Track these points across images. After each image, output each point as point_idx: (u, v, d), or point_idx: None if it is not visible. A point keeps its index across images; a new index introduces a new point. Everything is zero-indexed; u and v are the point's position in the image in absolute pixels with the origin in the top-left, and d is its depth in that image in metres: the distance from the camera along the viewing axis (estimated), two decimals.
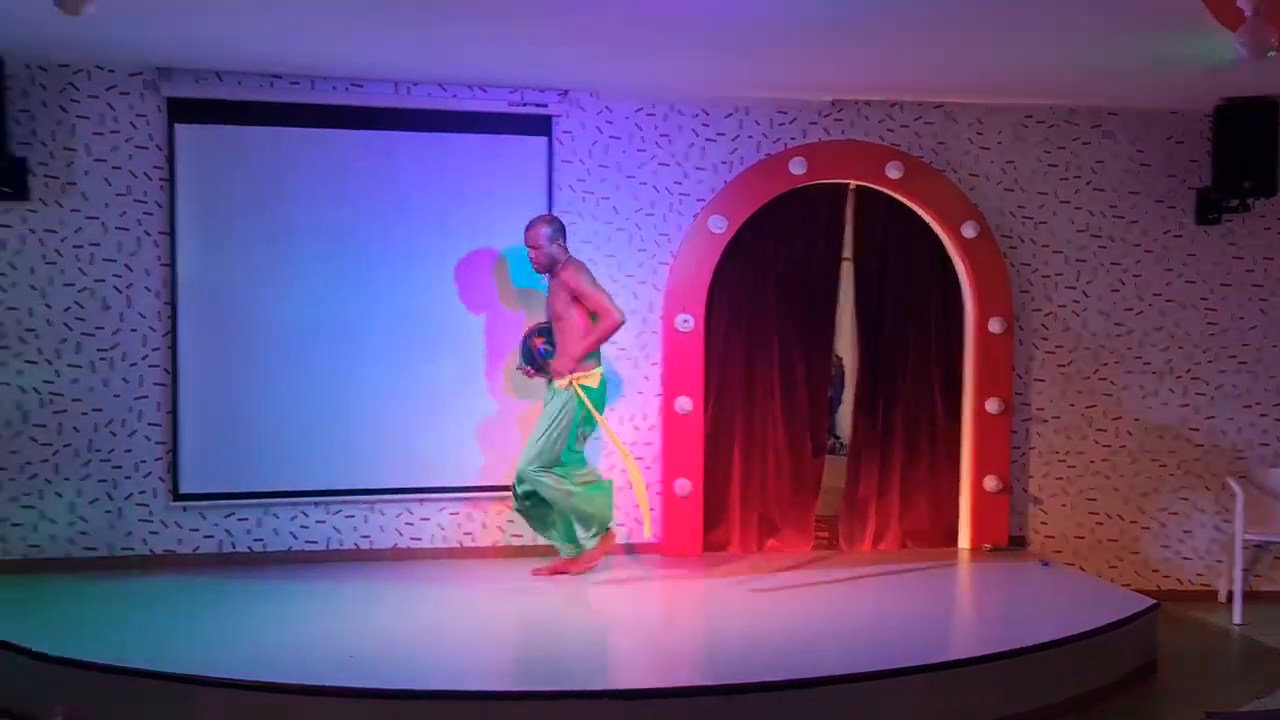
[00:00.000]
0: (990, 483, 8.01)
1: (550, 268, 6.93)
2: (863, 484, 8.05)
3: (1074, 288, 8.18)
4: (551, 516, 7.05)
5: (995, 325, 8.00)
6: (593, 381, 6.87)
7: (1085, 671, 5.71)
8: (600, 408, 6.97)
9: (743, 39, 6.38)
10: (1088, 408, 8.22)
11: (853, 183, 7.97)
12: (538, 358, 7.01)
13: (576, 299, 6.80)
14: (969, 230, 7.99)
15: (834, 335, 8.18)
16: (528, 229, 6.95)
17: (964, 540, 8.09)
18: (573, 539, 7.12)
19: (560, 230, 6.99)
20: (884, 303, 8.11)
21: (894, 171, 7.87)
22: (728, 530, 7.90)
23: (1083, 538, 8.23)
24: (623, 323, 6.86)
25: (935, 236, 8.05)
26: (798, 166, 7.82)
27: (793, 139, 7.89)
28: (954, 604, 7.16)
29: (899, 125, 8.00)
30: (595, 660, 5.71)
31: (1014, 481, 8.14)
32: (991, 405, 8.01)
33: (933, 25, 6.13)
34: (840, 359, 8.83)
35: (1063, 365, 8.20)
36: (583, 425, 6.93)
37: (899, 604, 6.78)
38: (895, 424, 8.04)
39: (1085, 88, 7.69)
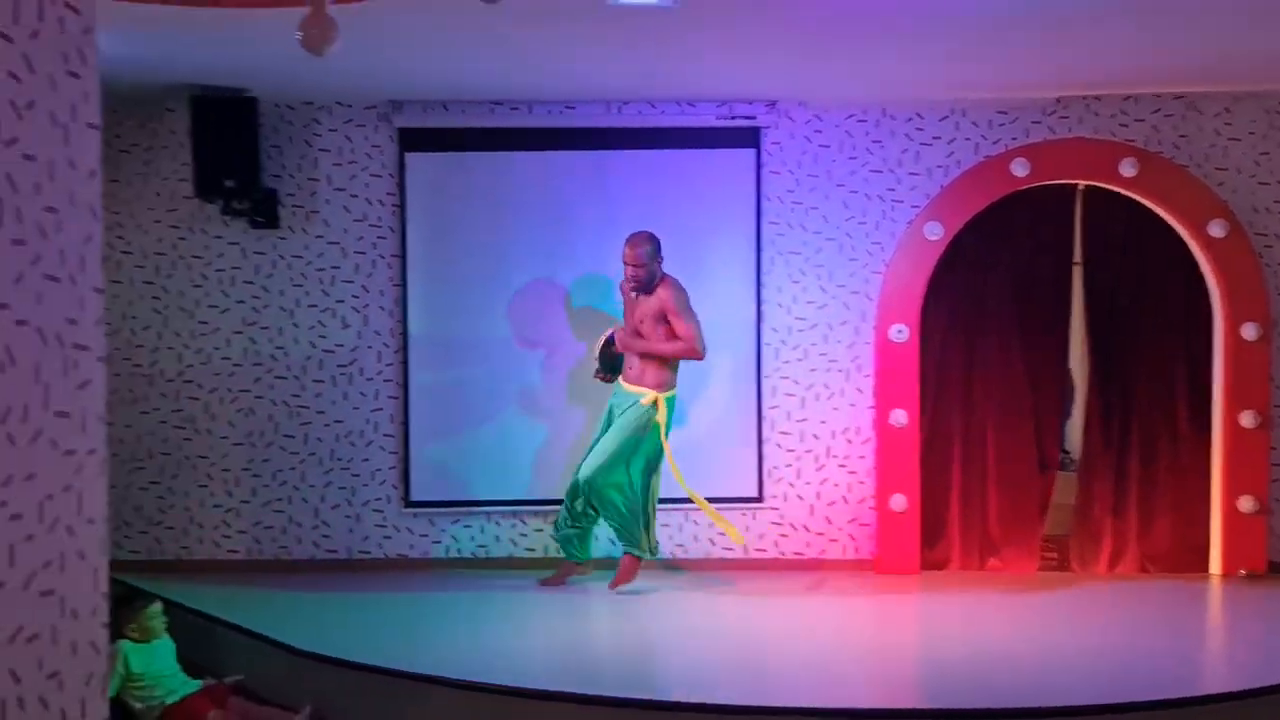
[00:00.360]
0: (1245, 503, 5.70)
1: (649, 285, 5.41)
2: (1096, 502, 5.88)
3: None
4: (592, 531, 5.60)
5: (1249, 331, 5.72)
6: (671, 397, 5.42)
7: None
8: (669, 426, 5.43)
9: (957, 36, 4.80)
10: None
11: (1081, 183, 5.90)
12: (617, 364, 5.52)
13: (665, 318, 5.34)
14: (1216, 229, 5.73)
15: (1063, 344, 6.37)
16: (633, 247, 5.37)
17: (1215, 565, 5.81)
18: (636, 542, 5.53)
19: (659, 248, 5.45)
20: (1118, 309, 6.10)
21: (1129, 169, 5.75)
22: (947, 548, 5.92)
23: None
24: (702, 357, 5.42)
25: (1176, 237, 5.81)
26: (1020, 168, 5.83)
27: (1014, 140, 5.87)
28: (1203, 634, 5.23)
29: (1133, 119, 5.83)
30: (807, 677, 4.39)
31: (1273, 502, 5.78)
32: (1246, 418, 5.71)
33: (1170, 6, 4.41)
34: (1069, 369, 6.98)
35: None
36: (645, 440, 5.40)
37: (1132, 633, 4.85)
38: (1132, 438, 5.84)
39: None
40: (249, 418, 6.12)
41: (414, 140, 6.08)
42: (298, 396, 6.13)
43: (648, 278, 5.41)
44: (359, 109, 6.09)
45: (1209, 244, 5.79)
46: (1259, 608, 5.40)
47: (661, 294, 5.35)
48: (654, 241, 5.44)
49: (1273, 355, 5.84)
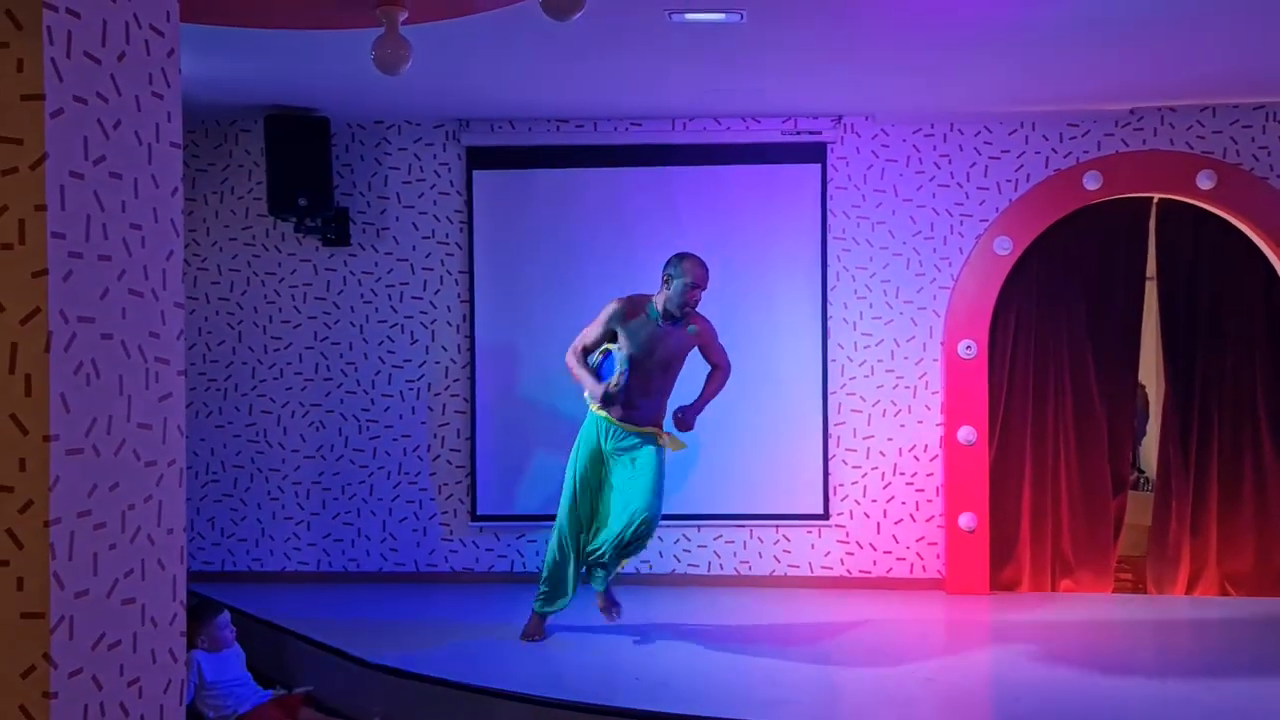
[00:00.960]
0: None
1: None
2: (1174, 522, 5.69)
3: None
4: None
5: None
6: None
7: None
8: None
9: (1031, 49, 4.73)
10: None
11: (1157, 196, 5.75)
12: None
13: (689, 353, 4.88)
14: None
15: (1136, 361, 6.14)
16: (706, 269, 4.83)
17: None
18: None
19: None
20: (1195, 325, 5.93)
21: (1206, 182, 5.63)
22: (1018, 569, 5.78)
23: None
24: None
25: (1256, 250, 5.65)
26: (1092, 181, 5.75)
27: (1085, 153, 5.75)
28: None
29: (1210, 131, 5.69)
30: (876, 699, 4.27)
31: None
32: None
33: (1249, 12, 4.27)
34: (1143, 387, 6.77)
35: None
36: None
37: (1207, 659, 4.68)
38: (1211, 457, 5.65)
39: None
40: (319, 432, 6.20)
41: (481, 158, 6.13)
42: (367, 411, 6.20)
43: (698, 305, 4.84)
44: (428, 127, 6.16)
45: None
46: None
47: (703, 326, 4.85)
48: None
49: None
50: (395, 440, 6.19)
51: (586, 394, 4.86)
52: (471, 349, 6.13)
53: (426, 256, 6.19)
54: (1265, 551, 5.72)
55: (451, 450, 6.16)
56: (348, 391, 6.22)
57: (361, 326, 6.22)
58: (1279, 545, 5.73)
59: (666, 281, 4.71)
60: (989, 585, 5.79)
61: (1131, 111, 5.75)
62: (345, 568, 6.19)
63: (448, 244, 6.17)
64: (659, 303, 4.75)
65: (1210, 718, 3.99)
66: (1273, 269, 5.73)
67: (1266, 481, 5.73)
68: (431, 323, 6.18)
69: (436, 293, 6.18)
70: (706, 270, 4.76)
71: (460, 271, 6.16)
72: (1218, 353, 5.77)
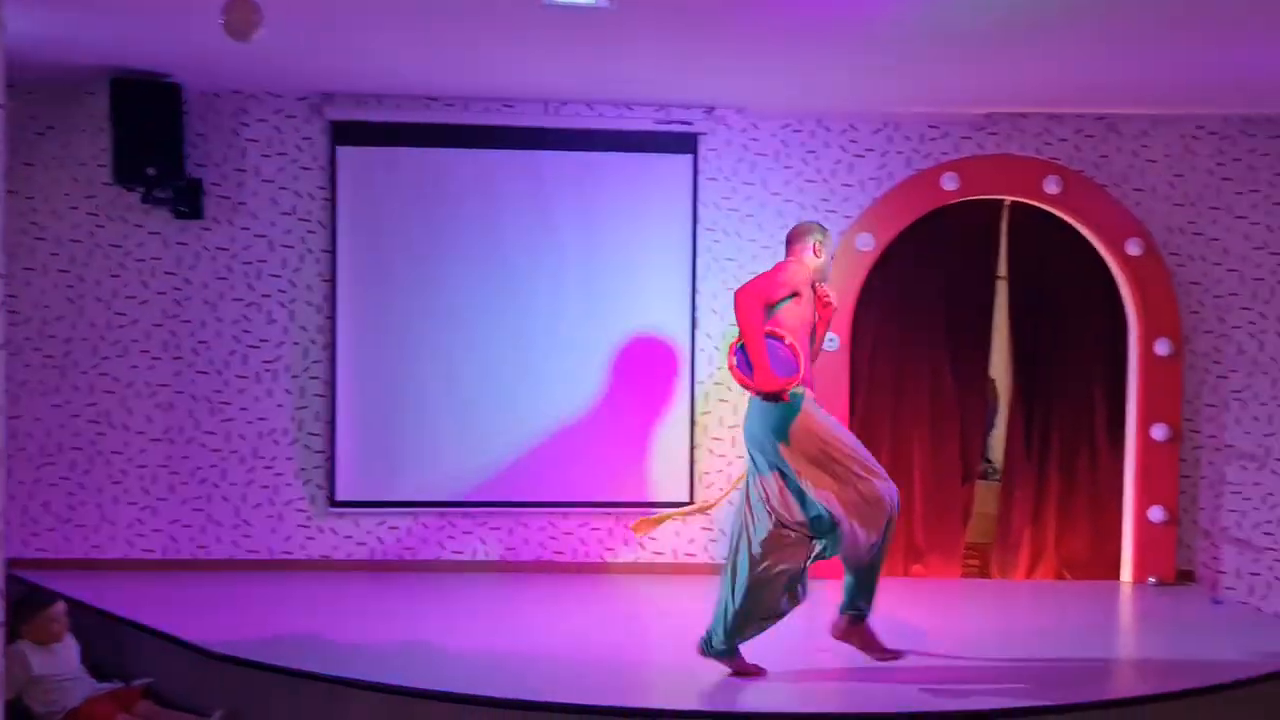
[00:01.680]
0: (1156, 513, 5.79)
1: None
2: (1017, 511, 5.95)
3: (1250, 308, 5.91)
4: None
5: (1162, 347, 5.84)
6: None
7: (1258, 718, 4.13)
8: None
9: (890, 51, 4.83)
10: (1265, 435, 5.90)
11: (1008, 199, 5.97)
12: None
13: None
14: (1133, 248, 5.83)
15: (987, 357, 6.33)
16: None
17: (1126, 573, 5.91)
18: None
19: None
20: (1040, 323, 6.18)
21: (1052, 186, 5.84)
22: None
23: (1259, 574, 5.91)
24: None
25: (1096, 254, 5.91)
26: (950, 182, 5.89)
27: (944, 154, 5.90)
28: (1113, 640, 5.36)
29: (1057, 138, 5.92)
30: (738, 681, 4.22)
31: (1182, 513, 5.91)
32: (1158, 432, 5.83)
33: (1094, 31, 4.45)
34: (993, 381, 7.06)
35: (1237, 391, 5.92)
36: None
37: (1048, 639, 4.86)
38: (1052, 449, 5.92)
39: (1262, 95, 5.71)
40: (168, 413, 5.88)
41: (346, 133, 5.90)
42: (220, 392, 5.91)
43: None
44: (289, 99, 5.90)
45: (1126, 262, 5.92)
46: (1166, 614, 5.51)
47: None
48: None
49: (1184, 371, 5.96)
50: (250, 423, 5.92)
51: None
52: (332, 330, 5.91)
53: (286, 233, 5.93)
54: (1098, 538, 6.04)
55: (310, 434, 5.93)
56: (199, 372, 5.92)
57: (215, 304, 5.92)
58: (1111, 532, 6.05)
59: (818, 249, 4.13)
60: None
61: (987, 116, 5.96)
62: (194, 555, 5.89)
63: (309, 221, 5.93)
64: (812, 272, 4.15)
65: (1042, 685, 4.16)
66: (1110, 272, 6.03)
67: (1100, 472, 6.05)
68: (290, 302, 5.94)
69: (296, 271, 5.93)
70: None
71: (322, 250, 5.93)
72: (1060, 350, 6.05)
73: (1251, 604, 5.93)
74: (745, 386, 4.02)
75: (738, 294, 3.96)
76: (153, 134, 5.49)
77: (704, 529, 6.05)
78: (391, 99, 5.89)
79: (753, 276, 4.18)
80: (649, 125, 5.91)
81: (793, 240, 4.18)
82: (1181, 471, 5.96)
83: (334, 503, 5.90)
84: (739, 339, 3.98)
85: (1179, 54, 4.73)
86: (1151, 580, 5.89)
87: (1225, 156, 5.99)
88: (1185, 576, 5.97)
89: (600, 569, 5.96)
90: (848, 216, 5.97)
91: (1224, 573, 6.00)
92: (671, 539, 6.02)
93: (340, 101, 5.88)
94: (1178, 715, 4.14)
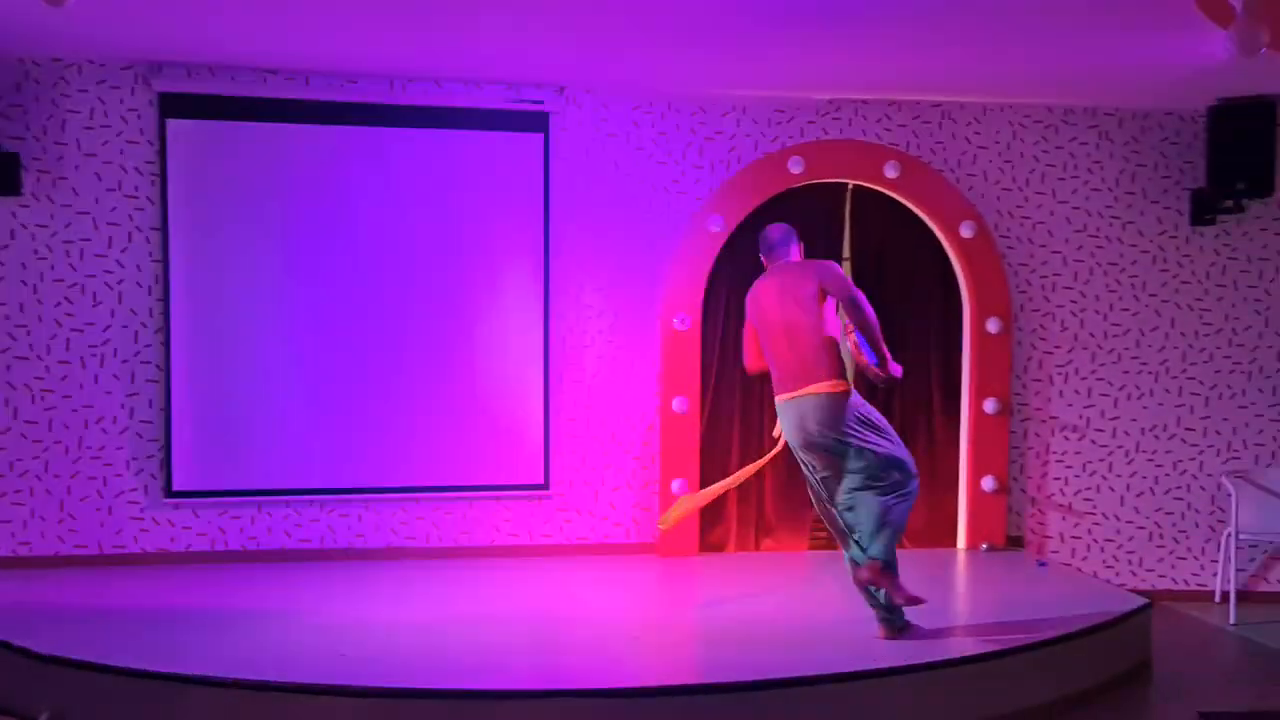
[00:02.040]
0: (988, 483, 6.12)
1: None
2: None
3: (1071, 288, 6.29)
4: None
5: (993, 325, 6.15)
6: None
7: (1078, 670, 4.50)
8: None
9: (739, 35, 4.87)
10: (1085, 407, 6.31)
11: (851, 182, 6.14)
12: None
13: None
14: (967, 230, 6.14)
15: None
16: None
17: (961, 540, 6.24)
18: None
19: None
20: (882, 303, 6.48)
21: (892, 171, 6.06)
22: (725, 531, 6.05)
23: (1079, 538, 6.31)
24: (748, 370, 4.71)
25: (934, 236, 6.17)
26: (795, 165, 6.04)
27: (790, 138, 6.04)
28: (949, 603, 5.63)
29: (896, 125, 6.13)
30: (588, 659, 4.31)
31: (1012, 482, 6.26)
32: (989, 405, 6.15)
33: (931, 24, 4.57)
34: None
35: (1060, 365, 6.29)
36: None
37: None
38: (896, 423, 6.40)
39: (1081, 88, 5.90)
40: None
41: (176, 106, 5.60)
42: (41, 379, 5.55)
43: None
44: (114, 69, 5.56)
45: (960, 244, 6.18)
46: (997, 577, 5.80)
47: None
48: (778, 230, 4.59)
49: (1013, 348, 6.28)
50: (75, 411, 5.58)
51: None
52: (166, 313, 5.62)
53: (112, 210, 5.59)
54: (935, 506, 6.31)
55: (142, 422, 5.63)
56: (17, 357, 5.54)
57: (35, 286, 5.55)
58: (946, 501, 6.33)
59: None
60: (699, 547, 6.03)
61: (830, 102, 6.11)
62: (15, 551, 5.53)
63: (137, 197, 5.61)
64: None
65: (879, 650, 4.34)
66: (946, 253, 6.28)
67: (936, 444, 6.31)
68: (118, 283, 5.61)
69: (124, 250, 5.61)
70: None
71: (152, 228, 5.62)
72: (900, 329, 6.26)
73: (1073, 565, 6.31)
74: (876, 378, 4.37)
75: (856, 291, 4.32)
76: None
77: (559, 510, 6.04)
78: (226, 70, 5.62)
79: (839, 274, 4.47)
80: (499, 104, 5.82)
81: (791, 240, 4.56)
82: (1011, 443, 6.28)
83: (171, 493, 5.63)
84: (852, 329, 4.27)
85: (1005, 47, 4.95)
86: (984, 546, 6.20)
87: (1049, 144, 6.31)
88: (1014, 542, 6.30)
89: (456, 553, 5.88)
90: (698, 198, 6.03)
91: (1049, 537, 6.36)
92: (527, 521, 5.98)
93: (170, 72, 5.58)
94: (1008, 670, 4.37)
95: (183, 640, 4.41)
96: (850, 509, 4.32)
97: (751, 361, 4.52)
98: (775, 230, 4.54)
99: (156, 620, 4.71)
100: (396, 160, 5.76)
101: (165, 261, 5.60)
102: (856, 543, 4.32)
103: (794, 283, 4.33)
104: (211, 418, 5.65)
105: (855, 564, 4.35)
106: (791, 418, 4.32)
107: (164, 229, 5.59)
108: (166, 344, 5.61)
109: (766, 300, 4.38)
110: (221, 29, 4.94)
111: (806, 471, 4.50)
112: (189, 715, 3.93)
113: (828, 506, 4.47)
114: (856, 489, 4.30)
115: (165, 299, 5.59)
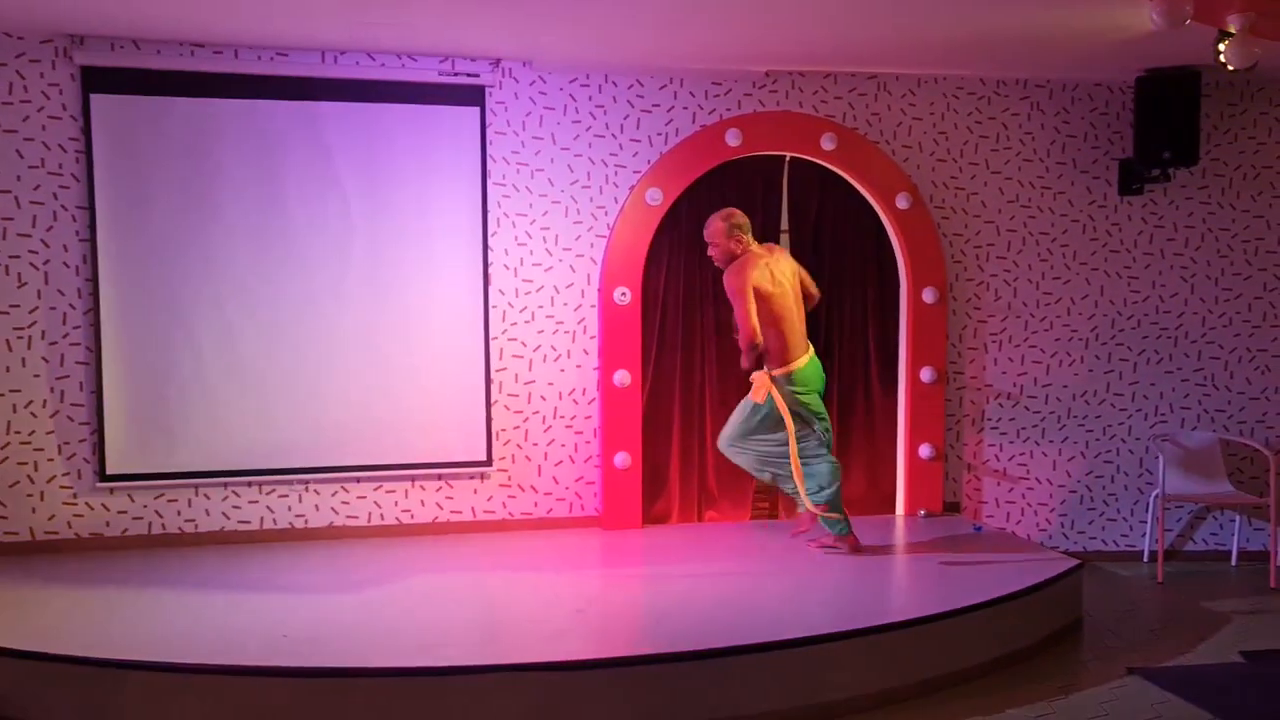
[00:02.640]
0: (925, 450, 6.22)
1: (727, 263, 5.23)
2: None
3: (1005, 257, 6.37)
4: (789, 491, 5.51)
5: (929, 295, 6.23)
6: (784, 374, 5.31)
7: (1013, 630, 4.66)
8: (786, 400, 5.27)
9: (675, 7, 4.85)
10: (1019, 375, 6.40)
11: (788, 154, 6.15)
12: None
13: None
14: (902, 201, 6.17)
15: None
16: (708, 224, 5.35)
17: (900, 507, 6.33)
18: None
19: (738, 227, 5.25)
20: (820, 275, 6.47)
21: (829, 143, 6.05)
22: (668, 503, 6.07)
23: (1014, 502, 6.46)
24: (748, 341, 5.12)
25: (870, 208, 6.24)
26: (733, 138, 6.00)
27: (728, 110, 6.02)
28: (888, 569, 5.70)
29: (833, 96, 6.15)
30: (532, 633, 4.33)
31: (949, 449, 6.37)
32: (926, 374, 6.23)
33: None
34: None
35: (995, 334, 6.38)
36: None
37: (833, 570, 5.16)
38: (832, 394, 6.16)
39: (1013, 60, 6.06)
40: None
41: (100, 80, 5.44)
42: None
43: (722, 257, 5.21)
44: (32, 42, 5.38)
45: (896, 215, 6.23)
46: (935, 543, 5.91)
47: (725, 277, 5.15)
48: (729, 219, 5.20)
49: (949, 317, 6.36)
50: (2, 395, 5.43)
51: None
52: (95, 293, 5.47)
53: (35, 189, 5.43)
54: (873, 475, 6.40)
55: (73, 405, 5.50)
56: None
57: None
58: (884, 469, 6.42)
59: None
60: (642, 520, 6.05)
61: (767, 74, 6.11)
62: None
63: (61, 175, 5.45)
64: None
65: (823, 615, 4.39)
66: (882, 224, 6.34)
67: (875, 414, 6.40)
68: (44, 263, 5.45)
69: (49, 230, 5.45)
70: (710, 222, 5.30)
71: (78, 206, 5.47)
72: (838, 300, 6.33)
73: (1007, 529, 6.45)
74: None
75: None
76: None
77: (502, 486, 6.02)
78: (150, 44, 5.47)
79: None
80: (433, 77, 5.73)
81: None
82: (947, 410, 6.37)
83: (104, 477, 5.51)
84: None
85: (937, 17, 4.98)
86: (922, 512, 6.30)
87: (982, 116, 6.38)
88: (951, 508, 6.42)
89: (398, 532, 5.84)
90: (636, 171, 6.02)
91: (985, 503, 6.49)
92: (470, 497, 5.96)
93: (92, 45, 5.41)
94: (947, 632, 4.46)
95: (120, 625, 4.34)
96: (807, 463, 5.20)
97: (757, 334, 5.07)
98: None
99: (93, 606, 4.63)
100: (329, 135, 5.66)
101: (93, 240, 5.44)
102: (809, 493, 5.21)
103: (790, 261, 5.33)
104: (145, 399, 5.53)
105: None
106: (819, 371, 5.32)
107: (90, 207, 5.43)
108: (96, 325, 5.47)
109: (782, 274, 5.21)
110: (144, 2, 4.79)
111: (787, 427, 5.17)
112: (127, 701, 3.86)
113: (784, 467, 5.24)
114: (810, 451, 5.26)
115: (94, 279, 5.46)
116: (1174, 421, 6.57)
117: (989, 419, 6.46)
